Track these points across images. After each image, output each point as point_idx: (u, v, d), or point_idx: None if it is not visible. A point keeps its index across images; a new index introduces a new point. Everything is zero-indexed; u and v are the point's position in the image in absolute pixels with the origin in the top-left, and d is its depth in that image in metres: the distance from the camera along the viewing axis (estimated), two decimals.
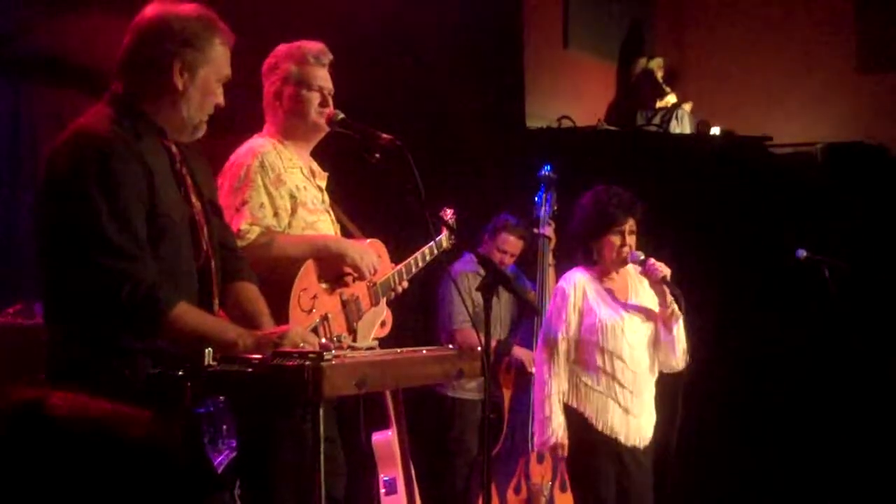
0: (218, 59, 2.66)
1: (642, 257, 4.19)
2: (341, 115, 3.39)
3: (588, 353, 4.15)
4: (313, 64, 3.45)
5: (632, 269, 4.32)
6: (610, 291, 4.25)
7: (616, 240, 4.19)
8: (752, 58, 8.03)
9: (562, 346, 4.17)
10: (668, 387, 4.30)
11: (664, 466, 4.15)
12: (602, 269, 4.27)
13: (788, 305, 6.02)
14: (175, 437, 2.36)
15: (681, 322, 4.23)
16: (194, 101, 2.63)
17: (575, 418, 4.14)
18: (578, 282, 4.23)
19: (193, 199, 2.67)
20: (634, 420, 4.15)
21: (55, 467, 1.59)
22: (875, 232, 6.15)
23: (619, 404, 4.13)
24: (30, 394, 1.63)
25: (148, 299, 2.42)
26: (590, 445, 4.13)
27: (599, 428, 4.12)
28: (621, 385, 4.12)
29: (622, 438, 4.14)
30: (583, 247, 4.27)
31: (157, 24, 2.61)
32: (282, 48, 3.50)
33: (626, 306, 4.23)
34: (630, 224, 4.20)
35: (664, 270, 4.13)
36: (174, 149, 2.66)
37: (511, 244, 5.49)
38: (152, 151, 2.58)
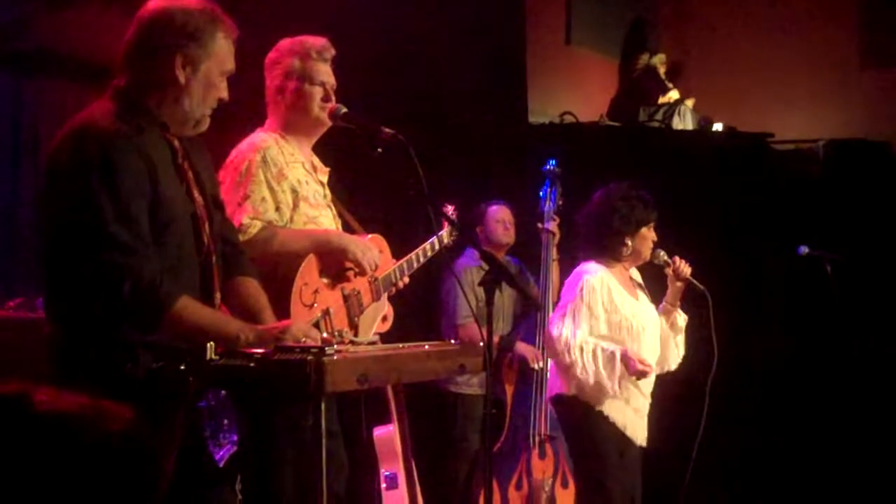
0: (221, 52, 2.65)
1: (666, 256, 4.21)
2: (344, 110, 3.39)
3: None
4: (316, 59, 3.44)
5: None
6: (627, 289, 4.22)
7: (651, 234, 4.21)
8: (754, 54, 8.01)
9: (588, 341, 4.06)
10: (686, 387, 4.29)
11: (682, 467, 4.13)
12: (624, 265, 4.24)
13: (790, 302, 6.01)
14: (155, 432, 2.35)
15: (685, 323, 4.26)
16: (196, 95, 2.63)
17: (591, 415, 4.09)
18: (604, 277, 4.13)
19: (195, 193, 2.67)
20: (640, 421, 4.15)
21: (38, 463, 1.59)
22: (877, 228, 6.14)
23: (634, 404, 4.12)
24: (13, 388, 1.62)
25: (150, 294, 2.42)
26: (604, 442, 4.08)
27: (618, 426, 4.08)
28: (635, 385, 4.11)
29: (636, 439, 4.13)
30: (615, 240, 4.17)
31: (159, 18, 2.61)
32: (284, 43, 3.49)
33: (641, 305, 4.22)
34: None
35: (688, 269, 4.17)
36: (176, 143, 2.66)
37: (503, 212, 5.51)
38: (154, 146, 2.58)
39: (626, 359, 3.99)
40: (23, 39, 4.88)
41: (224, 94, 2.68)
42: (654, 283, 4.37)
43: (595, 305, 4.07)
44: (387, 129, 3.04)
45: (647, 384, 4.17)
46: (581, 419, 4.11)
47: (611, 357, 3.99)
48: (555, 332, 4.07)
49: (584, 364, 3.99)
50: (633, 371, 3.99)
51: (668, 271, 4.22)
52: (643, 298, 4.25)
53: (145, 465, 2.29)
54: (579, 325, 4.04)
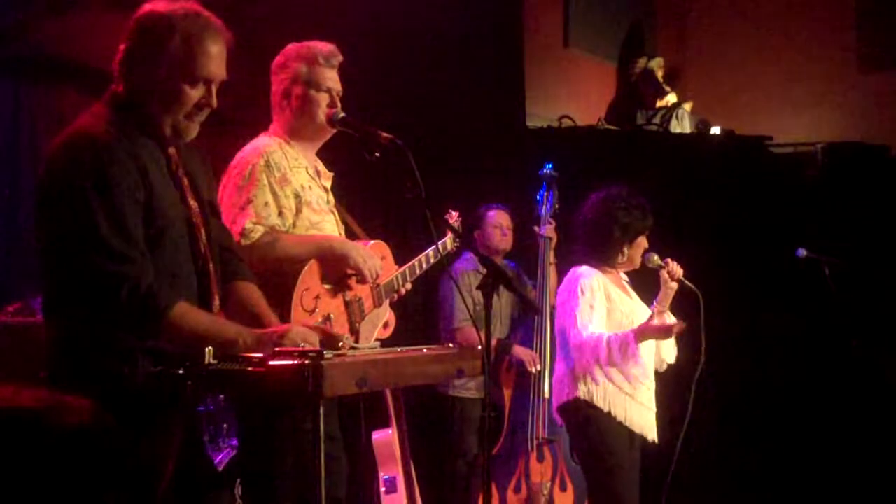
0: (212, 60, 2.64)
1: (659, 259, 4.23)
2: (342, 114, 3.39)
3: None
4: (323, 65, 3.43)
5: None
6: (622, 290, 4.27)
7: (644, 242, 4.24)
8: (752, 57, 8.02)
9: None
10: (676, 385, 4.30)
11: (669, 464, 4.14)
12: (618, 269, 4.29)
13: (788, 304, 6.02)
14: (112, 423, 2.36)
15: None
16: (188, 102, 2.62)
17: (598, 416, 4.11)
18: (600, 279, 4.18)
19: (190, 199, 2.66)
20: (649, 415, 4.17)
21: None
22: (875, 231, 6.15)
23: (641, 401, 4.14)
24: None
25: (147, 300, 2.42)
26: (612, 443, 4.09)
27: (626, 425, 4.10)
28: (640, 381, 4.14)
29: (646, 434, 4.15)
30: (613, 249, 4.22)
31: (151, 24, 2.60)
32: (292, 47, 3.48)
33: (636, 303, 4.26)
34: None
35: (680, 270, 4.19)
36: (171, 149, 2.66)
37: (501, 216, 5.52)
38: (149, 152, 2.58)
39: (647, 328, 4.00)
40: (22, 45, 4.88)
41: (213, 102, 2.66)
42: (637, 288, 4.39)
43: (597, 303, 4.12)
44: (384, 134, 3.04)
45: (648, 379, 4.19)
46: (588, 421, 4.12)
47: (623, 340, 4.01)
48: (576, 340, 4.08)
49: (610, 353, 4.01)
50: (663, 329, 3.99)
51: (664, 273, 4.24)
52: (636, 298, 4.28)
53: (110, 455, 2.28)
54: (592, 321, 4.08)
